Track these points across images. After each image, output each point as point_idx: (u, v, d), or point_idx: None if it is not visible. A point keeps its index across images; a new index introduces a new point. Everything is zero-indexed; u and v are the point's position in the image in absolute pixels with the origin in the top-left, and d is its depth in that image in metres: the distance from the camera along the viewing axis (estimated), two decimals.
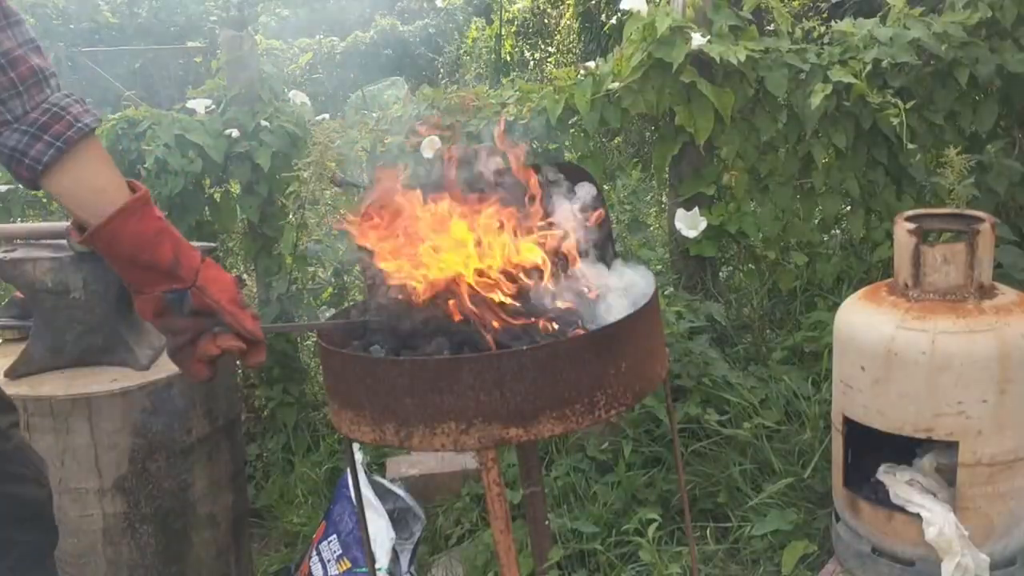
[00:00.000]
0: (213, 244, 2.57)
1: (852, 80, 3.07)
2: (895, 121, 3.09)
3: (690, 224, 3.27)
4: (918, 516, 2.24)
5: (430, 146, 3.12)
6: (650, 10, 3.19)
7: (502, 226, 1.75)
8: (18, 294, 2.45)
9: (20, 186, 3.50)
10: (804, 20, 3.54)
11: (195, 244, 2.44)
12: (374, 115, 3.60)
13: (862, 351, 2.27)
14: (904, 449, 2.38)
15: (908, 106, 3.07)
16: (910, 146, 3.22)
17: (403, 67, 11.00)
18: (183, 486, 2.28)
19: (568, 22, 10.27)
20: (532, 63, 10.93)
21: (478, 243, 1.73)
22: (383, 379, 1.61)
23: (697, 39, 3.06)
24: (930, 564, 2.23)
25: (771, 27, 3.41)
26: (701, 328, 3.20)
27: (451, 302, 1.71)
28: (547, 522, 2.35)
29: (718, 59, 3.05)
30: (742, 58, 3.06)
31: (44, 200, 3.62)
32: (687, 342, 3.07)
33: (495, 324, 1.71)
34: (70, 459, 2.13)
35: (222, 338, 1.48)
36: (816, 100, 3.04)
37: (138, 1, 13.12)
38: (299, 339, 3.78)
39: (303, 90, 4.04)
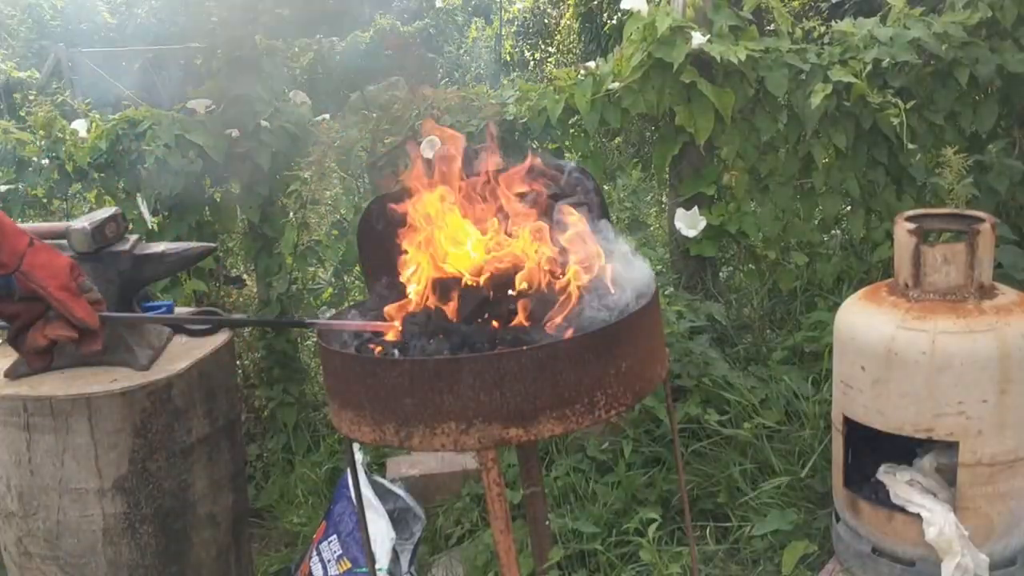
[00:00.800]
0: (213, 244, 2.56)
1: (852, 80, 3.07)
2: (895, 121, 3.09)
3: (690, 224, 3.27)
4: (918, 516, 2.23)
5: (430, 146, 3.12)
6: (650, 10, 3.18)
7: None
8: None
9: (20, 186, 3.52)
10: (804, 20, 3.54)
11: (194, 244, 2.46)
12: (374, 115, 3.59)
13: (862, 351, 2.27)
14: (904, 449, 2.38)
15: (908, 106, 3.07)
16: (910, 146, 3.22)
17: (403, 67, 11.00)
18: (183, 486, 2.28)
19: (568, 22, 10.28)
20: (532, 63, 10.93)
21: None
22: (383, 379, 1.61)
23: (697, 38, 3.06)
24: (930, 564, 2.23)
25: (771, 27, 3.41)
26: (701, 328, 3.20)
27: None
28: (547, 522, 2.35)
29: (719, 58, 3.05)
30: (742, 57, 3.06)
31: (44, 200, 3.62)
32: (687, 342, 3.07)
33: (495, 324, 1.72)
34: (70, 459, 2.13)
35: (50, 327, 1.44)
36: (816, 100, 3.04)
37: (137, 1, 13.13)
38: (299, 339, 3.78)
39: (303, 90, 4.03)
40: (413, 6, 13.58)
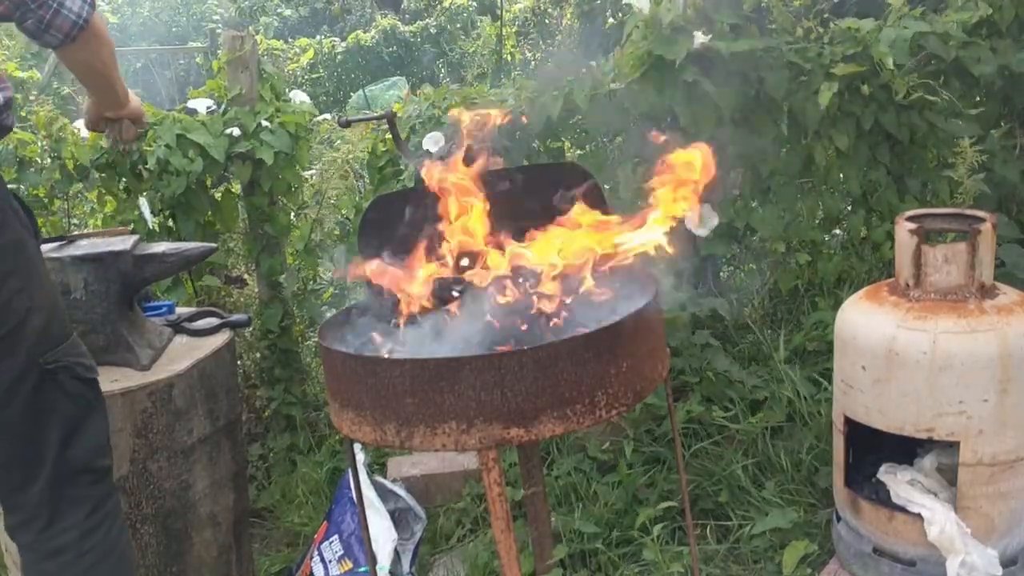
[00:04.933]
0: (213, 244, 2.57)
1: (859, 69, 3.04)
2: (938, 98, 3.02)
3: (701, 222, 3.14)
4: (919, 516, 2.23)
5: (433, 142, 3.11)
6: (651, 8, 3.17)
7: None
8: None
9: (22, 187, 3.52)
10: (804, 20, 3.53)
11: (194, 244, 2.47)
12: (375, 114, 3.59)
13: (863, 351, 2.27)
14: (905, 449, 2.38)
15: (941, 80, 3.01)
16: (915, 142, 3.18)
17: (405, 67, 11.01)
18: (184, 486, 2.28)
19: (569, 22, 10.27)
20: (533, 63, 10.92)
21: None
22: (384, 379, 1.61)
23: (700, 37, 3.04)
24: (931, 564, 2.23)
25: (772, 26, 3.39)
26: (705, 324, 3.19)
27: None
28: (552, 520, 2.36)
29: (725, 52, 3.03)
30: (746, 48, 3.03)
31: (45, 201, 3.62)
32: (691, 335, 3.06)
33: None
34: None
35: None
36: (824, 99, 3.01)
37: (139, 1, 13.13)
38: (300, 339, 3.78)
39: (304, 90, 4.04)
40: (417, 6, 13.58)
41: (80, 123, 3.62)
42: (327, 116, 3.90)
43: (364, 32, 12.53)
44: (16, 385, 1.73)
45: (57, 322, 1.81)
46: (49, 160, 3.49)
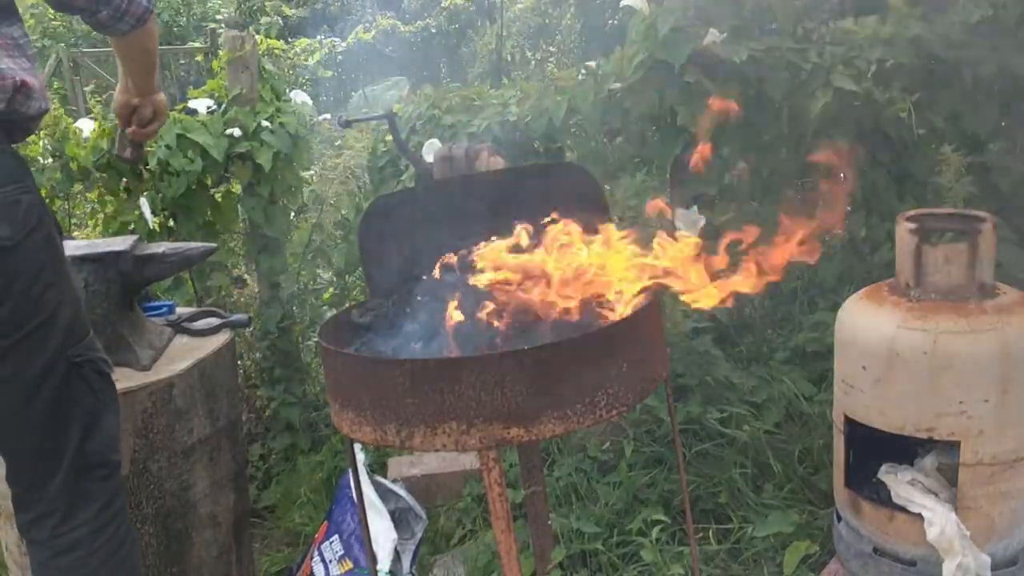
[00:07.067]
0: (214, 244, 2.57)
1: (853, 88, 3.05)
2: (903, 115, 3.04)
3: (689, 223, 3.24)
4: (920, 516, 2.23)
5: (430, 149, 3.12)
6: (652, 9, 3.17)
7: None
8: None
9: None
10: (805, 20, 3.52)
11: (195, 244, 2.47)
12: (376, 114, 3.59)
13: (863, 351, 2.26)
14: (906, 449, 2.38)
15: (914, 98, 3.03)
16: (918, 134, 3.18)
17: (406, 67, 11.01)
18: (184, 486, 2.28)
19: (569, 22, 10.27)
20: (533, 63, 10.93)
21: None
22: (384, 379, 1.61)
23: (713, 33, 3.04)
24: (931, 564, 2.23)
25: (773, 26, 3.39)
26: (704, 328, 3.20)
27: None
28: (549, 522, 2.36)
29: (725, 55, 3.03)
30: (744, 57, 3.04)
31: (46, 200, 3.62)
32: (690, 341, 3.06)
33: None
34: None
35: None
36: (815, 108, 3.02)
37: None
38: (300, 338, 3.78)
39: (305, 90, 4.04)
40: (416, 7, 13.58)
41: (83, 123, 3.62)
42: (327, 116, 3.90)
43: (365, 32, 12.53)
44: (43, 379, 1.76)
45: (80, 318, 1.84)
46: (51, 159, 3.49)
